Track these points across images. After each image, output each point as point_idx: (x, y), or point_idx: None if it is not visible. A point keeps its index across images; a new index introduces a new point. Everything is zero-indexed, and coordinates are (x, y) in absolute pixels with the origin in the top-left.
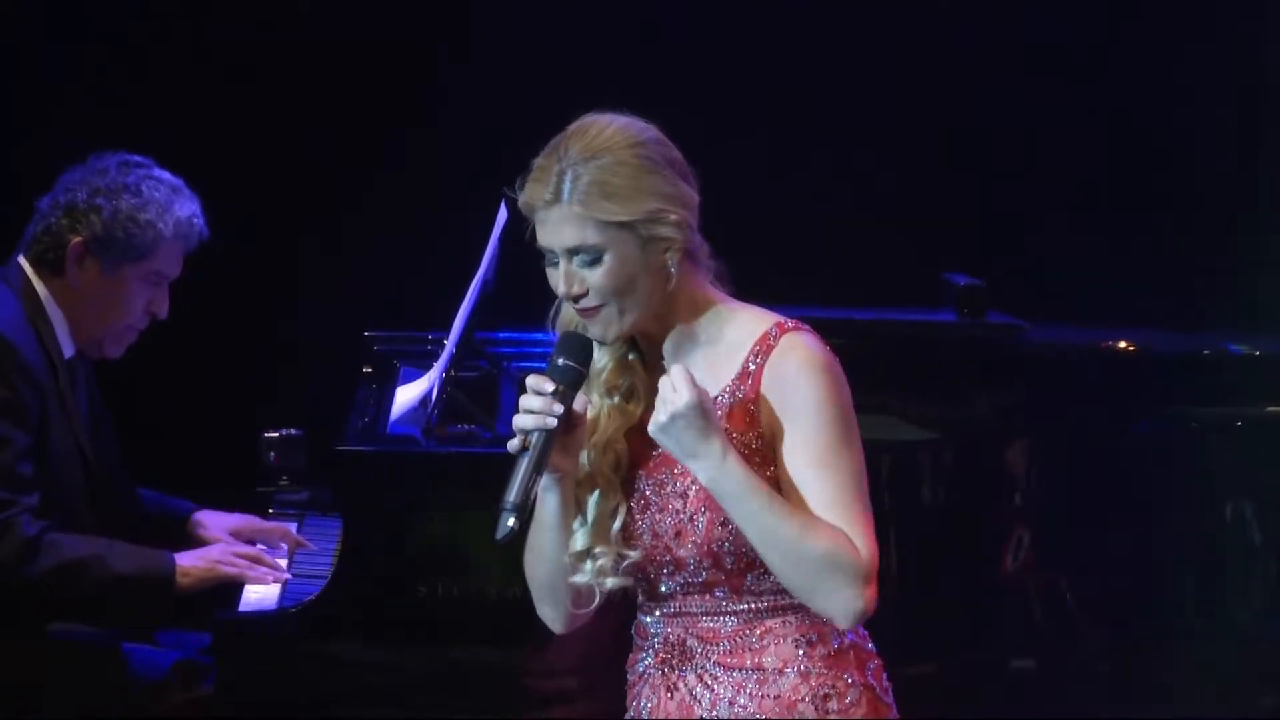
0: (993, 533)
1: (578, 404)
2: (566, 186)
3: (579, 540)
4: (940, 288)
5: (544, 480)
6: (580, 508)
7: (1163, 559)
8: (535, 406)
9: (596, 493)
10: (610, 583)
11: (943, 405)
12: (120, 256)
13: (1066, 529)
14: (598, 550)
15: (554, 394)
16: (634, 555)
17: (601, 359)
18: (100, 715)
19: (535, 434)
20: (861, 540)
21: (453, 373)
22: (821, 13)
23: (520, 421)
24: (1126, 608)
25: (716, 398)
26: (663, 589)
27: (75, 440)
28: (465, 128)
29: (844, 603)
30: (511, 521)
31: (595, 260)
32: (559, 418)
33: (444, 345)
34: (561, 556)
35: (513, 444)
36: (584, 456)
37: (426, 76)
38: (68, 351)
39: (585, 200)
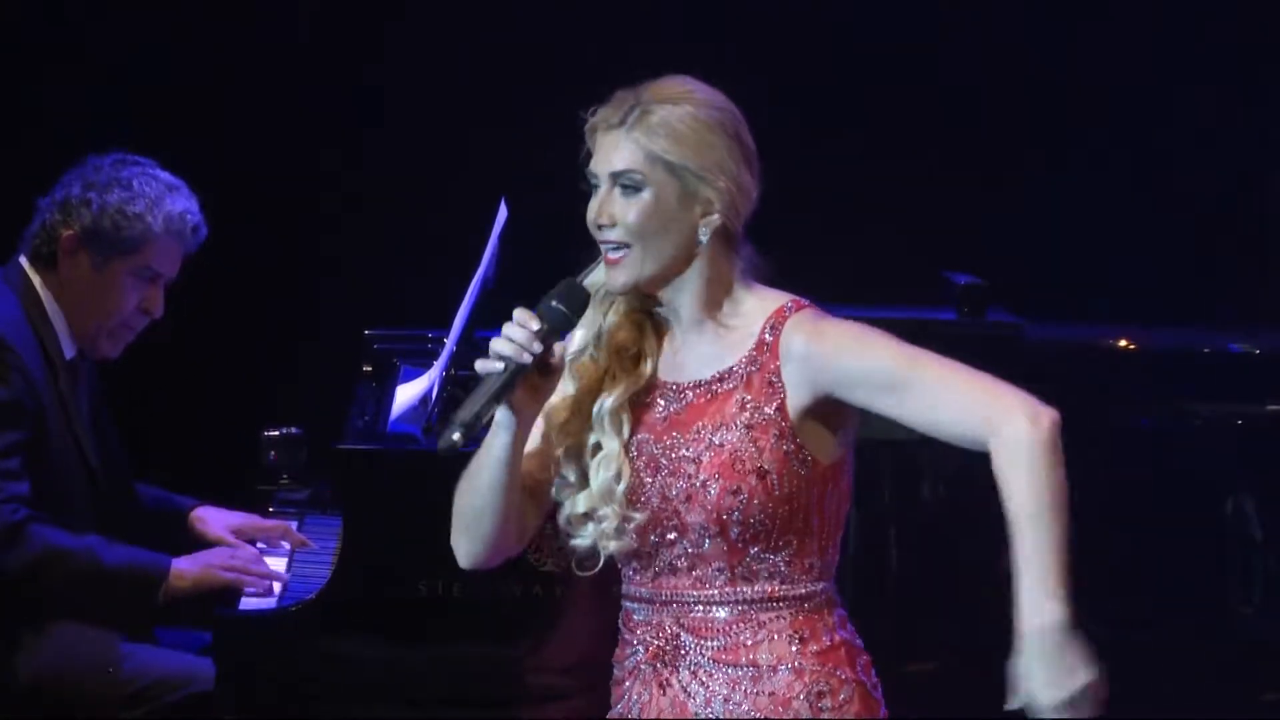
0: (992, 530)
1: (556, 349)
2: (634, 116)
3: (580, 503)
4: (940, 286)
5: (502, 415)
6: (583, 469)
7: (1162, 556)
8: (517, 338)
9: (601, 455)
10: (613, 546)
11: None
12: (110, 249)
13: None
14: (601, 511)
15: (537, 332)
16: (639, 517)
17: (614, 318)
18: (100, 714)
19: (508, 363)
20: (1005, 405)
21: (453, 371)
22: (821, 10)
23: (497, 347)
24: (1126, 604)
25: (733, 367)
26: (659, 560)
27: (75, 441)
28: (466, 126)
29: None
30: (456, 436)
31: (634, 190)
32: (535, 355)
33: (444, 344)
34: (493, 497)
35: (481, 364)
36: (594, 418)
37: (426, 74)
38: (69, 352)
39: (646, 131)
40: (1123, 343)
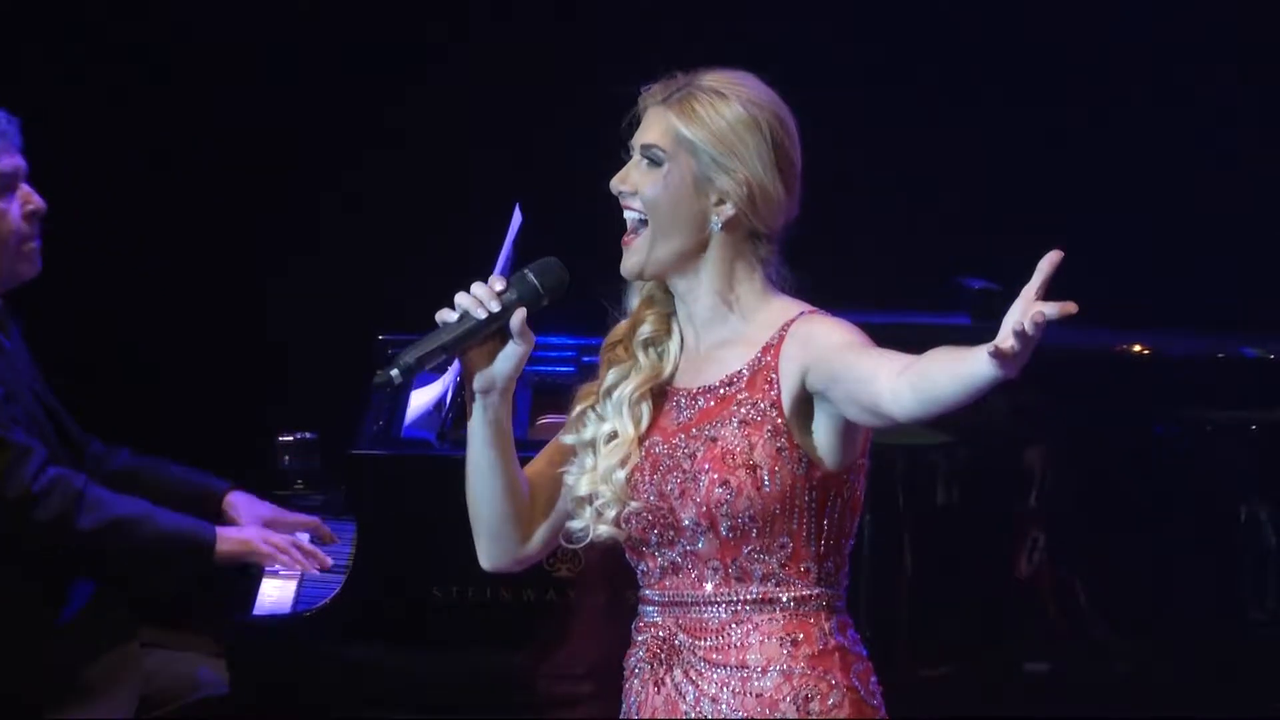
0: (1007, 535)
1: (515, 319)
2: (676, 95)
3: (583, 485)
4: (954, 291)
5: (477, 401)
6: (594, 456)
7: (1176, 562)
8: (478, 293)
9: (614, 441)
10: (604, 530)
11: (957, 408)
12: None
13: (1080, 532)
14: (600, 490)
15: (500, 293)
16: (634, 505)
17: (645, 311)
18: (114, 715)
19: (463, 316)
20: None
21: None
22: (828, 14)
23: (457, 298)
24: (1141, 610)
25: (740, 369)
26: (661, 561)
27: (29, 388)
28: (481, 130)
29: None
30: (393, 372)
31: (655, 163)
32: (490, 314)
33: None
34: (485, 483)
35: (440, 314)
36: (610, 406)
37: (436, 78)
38: None
39: (680, 111)
40: (1137, 348)
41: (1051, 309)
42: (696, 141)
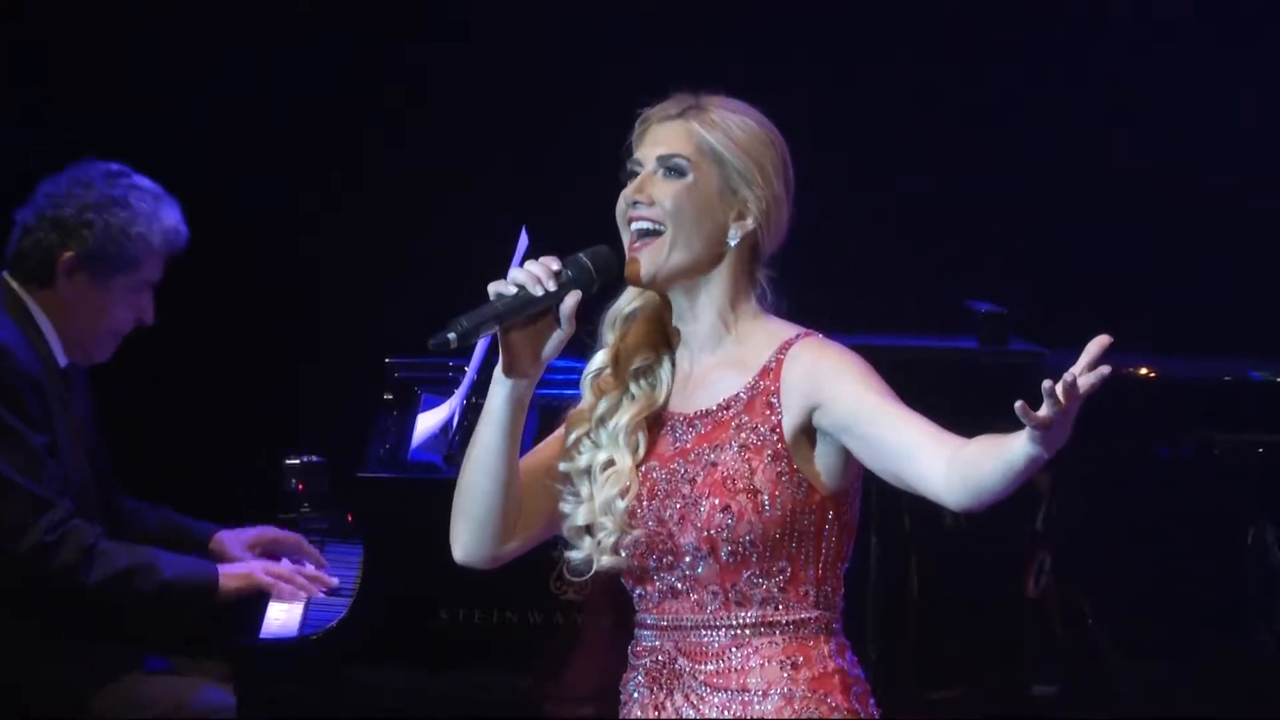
0: (1014, 558)
1: (569, 301)
2: (693, 111)
3: (580, 515)
4: (962, 314)
5: (499, 375)
6: (590, 485)
7: (1184, 583)
8: (535, 270)
9: (611, 470)
10: (606, 560)
11: (965, 431)
12: (112, 269)
13: (1088, 554)
14: (600, 522)
15: (556, 273)
16: (635, 534)
17: (633, 339)
18: None
19: (520, 289)
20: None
21: (474, 399)
22: (836, 34)
23: (513, 273)
24: (1148, 633)
25: (738, 393)
26: (660, 585)
27: (84, 446)
28: (485, 155)
29: None
30: (450, 335)
31: (677, 173)
32: (546, 292)
33: (465, 372)
34: (489, 467)
35: (494, 285)
36: (604, 435)
37: (445, 104)
38: (62, 361)
39: (702, 122)
40: (1143, 371)
41: (1084, 374)
42: (723, 150)
